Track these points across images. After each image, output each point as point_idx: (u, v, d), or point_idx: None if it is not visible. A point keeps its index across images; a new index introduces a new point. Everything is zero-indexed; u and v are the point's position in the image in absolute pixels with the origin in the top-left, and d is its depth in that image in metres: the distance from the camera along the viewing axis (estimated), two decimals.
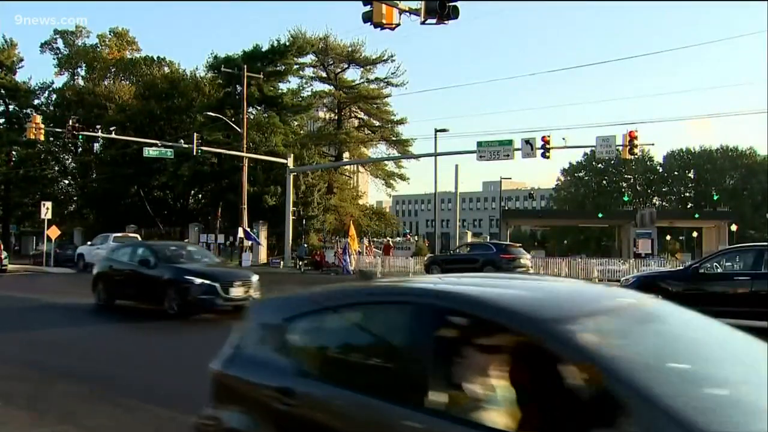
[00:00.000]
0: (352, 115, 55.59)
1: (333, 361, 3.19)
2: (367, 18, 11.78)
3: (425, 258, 31.64)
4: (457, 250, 29.93)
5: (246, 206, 38.36)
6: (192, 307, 12.71)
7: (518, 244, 33.56)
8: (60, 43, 60.94)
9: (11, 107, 54.96)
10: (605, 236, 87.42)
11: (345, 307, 3.27)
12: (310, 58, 51.46)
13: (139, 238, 35.47)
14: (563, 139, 30.75)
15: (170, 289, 12.73)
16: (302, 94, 50.26)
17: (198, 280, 12.61)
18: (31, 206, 51.35)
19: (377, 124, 55.06)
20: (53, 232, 32.63)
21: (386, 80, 52.28)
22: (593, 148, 28.53)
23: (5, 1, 65.45)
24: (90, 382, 7.35)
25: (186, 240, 36.99)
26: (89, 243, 35.16)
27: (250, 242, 37.38)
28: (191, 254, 14.89)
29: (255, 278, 13.53)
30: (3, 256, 29.79)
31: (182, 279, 12.69)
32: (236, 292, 12.77)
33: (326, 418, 2.97)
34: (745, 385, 2.48)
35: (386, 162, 53.97)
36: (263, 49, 45.17)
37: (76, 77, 61.09)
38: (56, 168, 57.30)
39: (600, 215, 67.91)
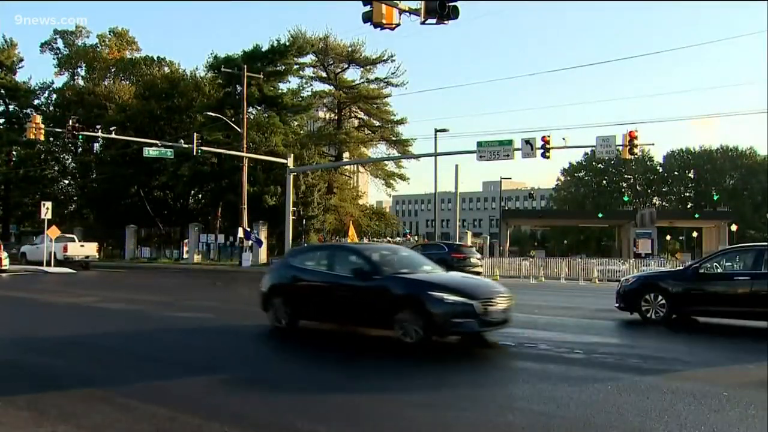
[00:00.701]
0: (352, 115, 55.61)
1: None
2: (367, 18, 11.76)
3: None
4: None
5: (246, 206, 38.42)
6: (440, 333, 9.73)
7: (470, 245, 36.11)
8: (60, 43, 61.15)
9: (11, 107, 55.07)
10: (605, 236, 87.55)
11: None
12: (310, 58, 51.55)
13: (77, 239, 35.18)
14: (563, 139, 30.94)
15: (405, 308, 9.65)
16: (302, 94, 50.35)
17: (450, 297, 9.42)
18: (31, 206, 51.39)
19: (377, 124, 55.09)
20: (53, 232, 32.57)
21: (386, 80, 52.37)
22: (593, 148, 28.54)
23: (5, 1, 65.61)
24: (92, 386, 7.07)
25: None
26: (31, 243, 35.77)
27: (250, 242, 37.42)
28: (407, 260, 11.49)
29: (506, 291, 10.38)
30: (3, 257, 29.73)
31: (425, 295, 9.54)
32: (496, 312, 9.70)
33: None
34: None
35: (386, 162, 53.98)
36: (263, 49, 45.20)
37: (76, 77, 61.15)
38: (56, 168, 57.36)
39: (600, 215, 68.08)
